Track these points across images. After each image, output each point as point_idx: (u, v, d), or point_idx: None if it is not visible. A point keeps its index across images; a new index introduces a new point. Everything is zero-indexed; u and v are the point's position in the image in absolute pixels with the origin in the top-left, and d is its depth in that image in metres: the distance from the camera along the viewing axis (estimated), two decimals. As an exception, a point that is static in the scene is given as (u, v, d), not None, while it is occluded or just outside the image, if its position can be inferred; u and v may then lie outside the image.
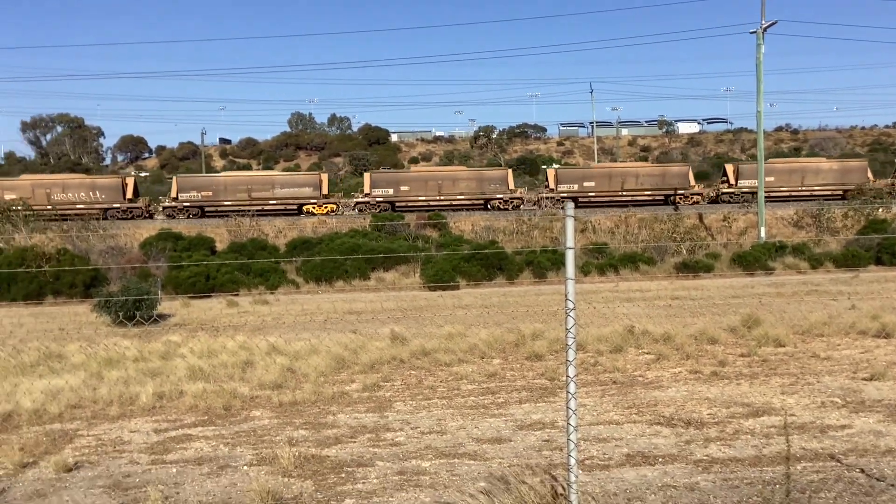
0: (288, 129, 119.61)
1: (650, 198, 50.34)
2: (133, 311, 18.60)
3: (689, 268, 30.14)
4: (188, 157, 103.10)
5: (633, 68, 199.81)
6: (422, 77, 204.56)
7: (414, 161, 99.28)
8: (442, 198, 48.62)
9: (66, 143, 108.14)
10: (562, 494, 4.04)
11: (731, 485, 6.12)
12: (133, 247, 35.14)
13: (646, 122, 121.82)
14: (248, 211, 44.87)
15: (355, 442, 7.75)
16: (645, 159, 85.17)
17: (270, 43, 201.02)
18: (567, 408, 3.88)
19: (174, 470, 6.98)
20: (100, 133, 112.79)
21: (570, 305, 3.82)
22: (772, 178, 49.47)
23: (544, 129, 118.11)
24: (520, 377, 10.95)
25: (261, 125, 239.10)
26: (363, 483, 6.40)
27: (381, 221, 41.38)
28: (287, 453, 7.00)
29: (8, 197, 45.72)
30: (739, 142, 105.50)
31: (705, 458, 6.88)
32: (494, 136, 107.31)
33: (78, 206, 47.22)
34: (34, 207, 45.10)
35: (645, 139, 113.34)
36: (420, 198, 48.38)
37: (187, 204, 48.24)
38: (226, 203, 48.17)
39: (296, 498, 6.02)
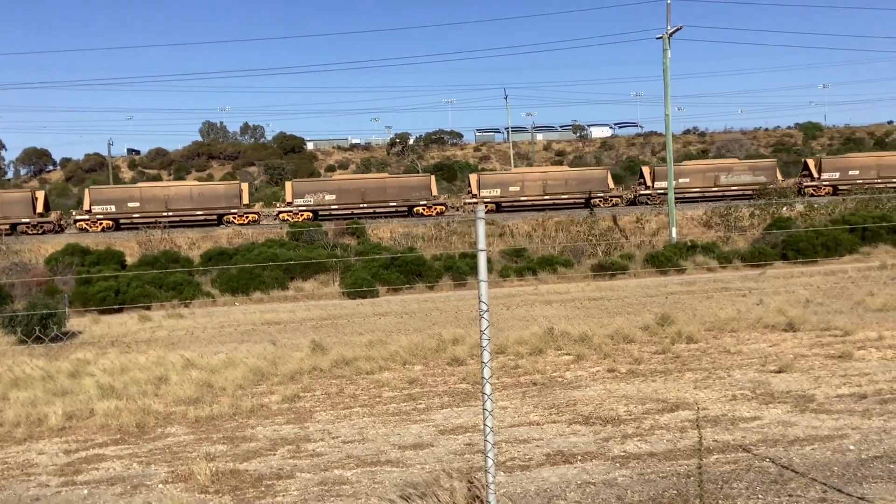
0: (199, 139, 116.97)
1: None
2: (40, 328, 17.88)
3: (605, 269, 30.71)
4: (95, 169, 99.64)
5: (546, 74, 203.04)
6: (336, 84, 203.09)
7: (331, 169, 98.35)
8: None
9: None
10: (479, 497, 4.04)
11: (647, 479, 6.25)
12: (38, 263, 33.78)
13: (560, 126, 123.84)
14: (164, 223, 43.75)
15: (275, 454, 7.61)
16: (560, 163, 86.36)
17: (178, 51, 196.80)
18: (483, 409, 3.89)
19: (85, 491, 6.72)
20: (0, 146, 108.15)
21: (484, 307, 3.83)
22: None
23: (461, 136, 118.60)
24: (441, 382, 10.96)
25: (171, 135, 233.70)
26: (283, 496, 6.28)
27: (298, 229, 40.89)
28: (204, 469, 6.82)
29: None
30: (650, 145, 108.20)
31: (622, 454, 7.01)
32: (411, 142, 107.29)
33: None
34: None
35: (559, 143, 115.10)
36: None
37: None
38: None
39: (213, 514, 5.86)
